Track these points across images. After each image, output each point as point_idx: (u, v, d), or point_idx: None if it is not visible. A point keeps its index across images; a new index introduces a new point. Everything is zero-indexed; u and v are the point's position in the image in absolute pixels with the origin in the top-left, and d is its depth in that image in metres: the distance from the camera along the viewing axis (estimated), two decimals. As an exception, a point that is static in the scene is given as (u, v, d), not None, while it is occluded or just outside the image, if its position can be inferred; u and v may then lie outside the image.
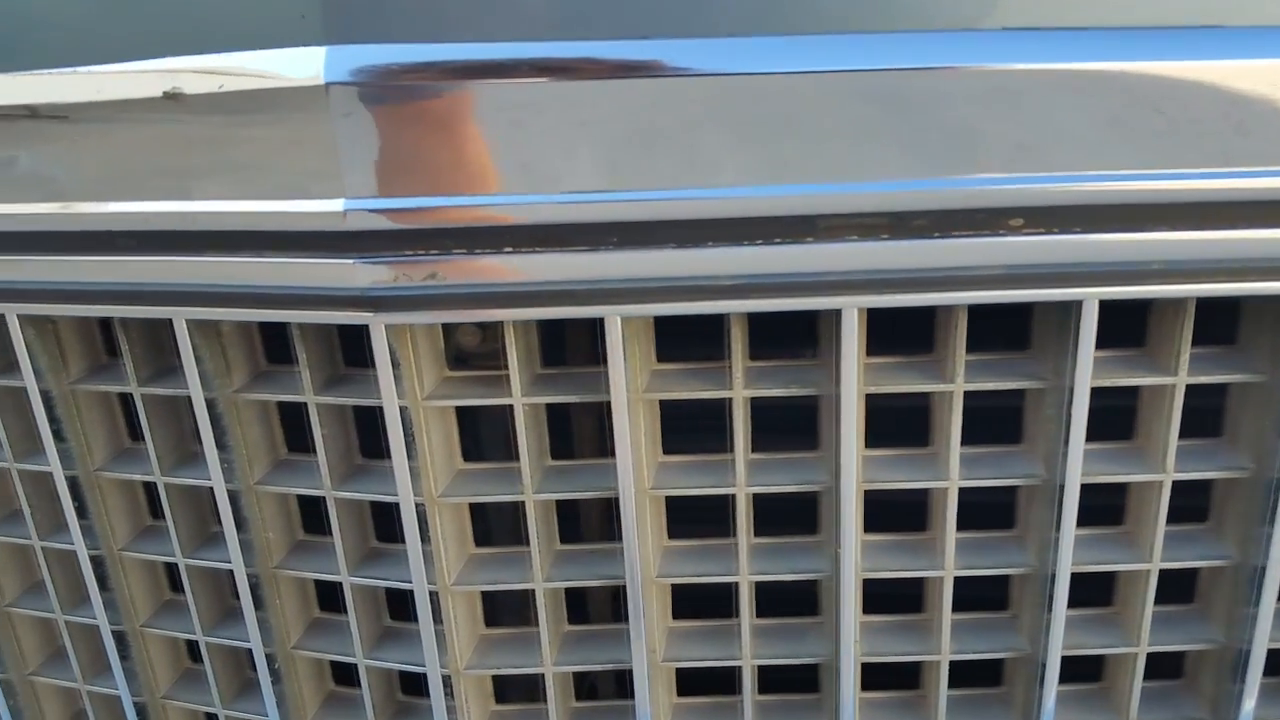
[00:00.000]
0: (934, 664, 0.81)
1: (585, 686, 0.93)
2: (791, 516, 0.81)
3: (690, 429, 0.79)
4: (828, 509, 0.79)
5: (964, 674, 0.83)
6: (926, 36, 0.62)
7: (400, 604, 0.86)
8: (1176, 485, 0.75)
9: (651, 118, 0.62)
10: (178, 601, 0.91)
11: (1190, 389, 0.73)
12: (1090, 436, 0.73)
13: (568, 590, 0.83)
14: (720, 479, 0.76)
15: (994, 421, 0.77)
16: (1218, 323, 0.75)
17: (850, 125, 0.62)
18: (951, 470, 0.74)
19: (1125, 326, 0.74)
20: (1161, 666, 0.84)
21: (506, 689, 0.88)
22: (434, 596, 0.77)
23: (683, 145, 0.62)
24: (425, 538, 0.75)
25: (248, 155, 0.65)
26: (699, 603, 0.85)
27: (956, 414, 0.72)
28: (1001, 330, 0.76)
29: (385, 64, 0.61)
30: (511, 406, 0.73)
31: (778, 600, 0.83)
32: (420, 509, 0.75)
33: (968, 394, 0.73)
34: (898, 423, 0.77)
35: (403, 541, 0.81)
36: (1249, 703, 0.79)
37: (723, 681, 0.87)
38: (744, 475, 0.75)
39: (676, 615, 0.84)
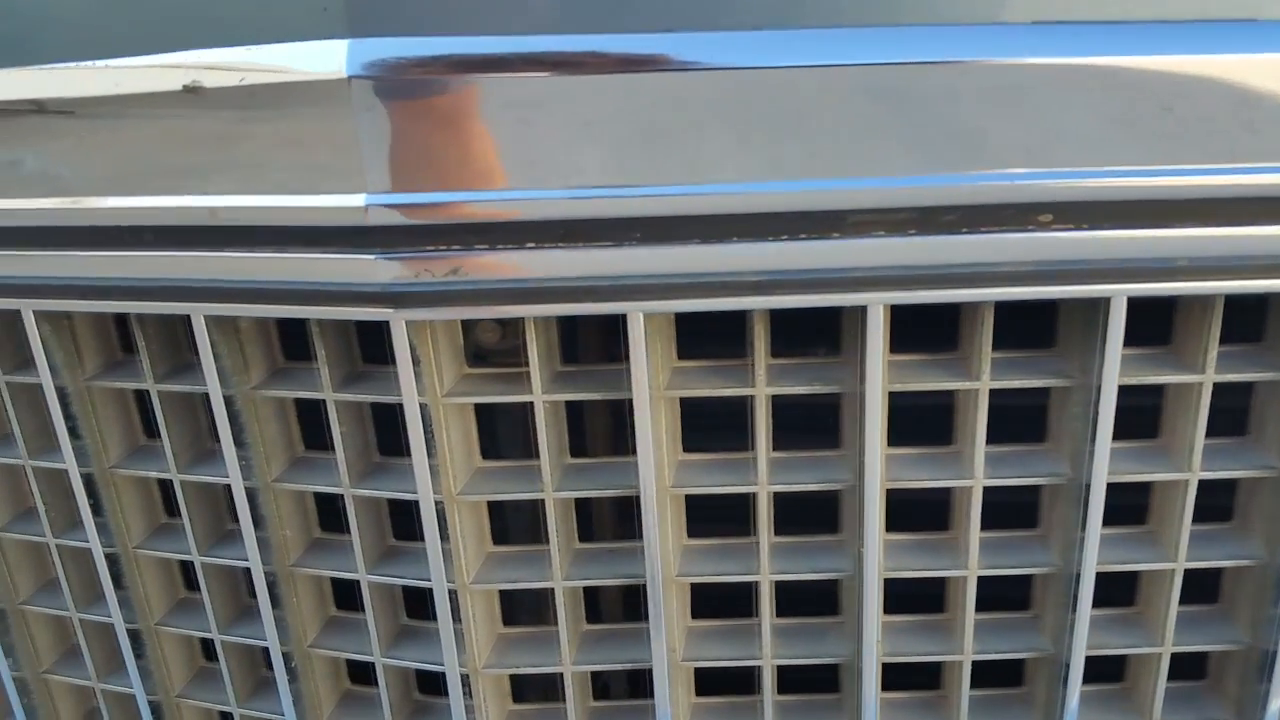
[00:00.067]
0: (955, 664, 0.80)
1: (598, 686, 0.92)
2: (811, 515, 0.81)
3: (708, 427, 0.79)
4: (849, 508, 0.78)
5: (984, 673, 0.83)
6: (955, 30, 0.61)
7: (417, 602, 0.86)
8: (1201, 484, 0.75)
9: (678, 112, 0.61)
10: (192, 600, 0.91)
11: (1215, 387, 0.72)
12: (1115, 435, 0.72)
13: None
14: (741, 477, 0.76)
15: (1017, 420, 0.77)
16: (1242, 320, 0.74)
17: (879, 120, 0.62)
18: (976, 469, 0.73)
19: (1149, 324, 0.74)
20: (1185, 667, 0.83)
21: (523, 688, 0.88)
22: (453, 595, 0.77)
23: (709, 139, 0.62)
24: (444, 536, 0.75)
25: (268, 150, 0.65)
26: (716, 602, 0.84)
27: (982, 412, 0.72)
28: (1025, 327, 0.75)
29: (408, 57, 0.61)
30: (531, 404, 0.73)
31: (797, 599, 0.82)
32: (439, 507, 0.74)
33: (991, 392, 0.72)
34: (919, 421, 0.76)
35: (420, 540, 0.81)
36: (1275, 703, 0.78)
37: (740, 681, 0.86)
38: (766, 474, 0.74)
39: (695, 614, 0.84)
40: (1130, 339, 0.69)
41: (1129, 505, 0.79)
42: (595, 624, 0.84)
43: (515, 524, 0.85)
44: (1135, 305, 0.68)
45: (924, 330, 0.73)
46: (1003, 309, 0.70)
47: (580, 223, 0.64)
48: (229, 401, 0.74)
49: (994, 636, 0.81)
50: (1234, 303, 0.70)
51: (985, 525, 0.76)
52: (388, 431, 0.80)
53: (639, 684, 0.89)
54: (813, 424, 0.78)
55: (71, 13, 0.69)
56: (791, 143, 0.62)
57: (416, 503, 0.76)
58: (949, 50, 0.61)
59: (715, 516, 0.81)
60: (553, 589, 0.78)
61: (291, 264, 0.67)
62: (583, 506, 0.82)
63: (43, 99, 0.68)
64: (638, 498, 0.76)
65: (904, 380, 0.71)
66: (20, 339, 0.81)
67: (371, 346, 0.77)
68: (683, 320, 0.74)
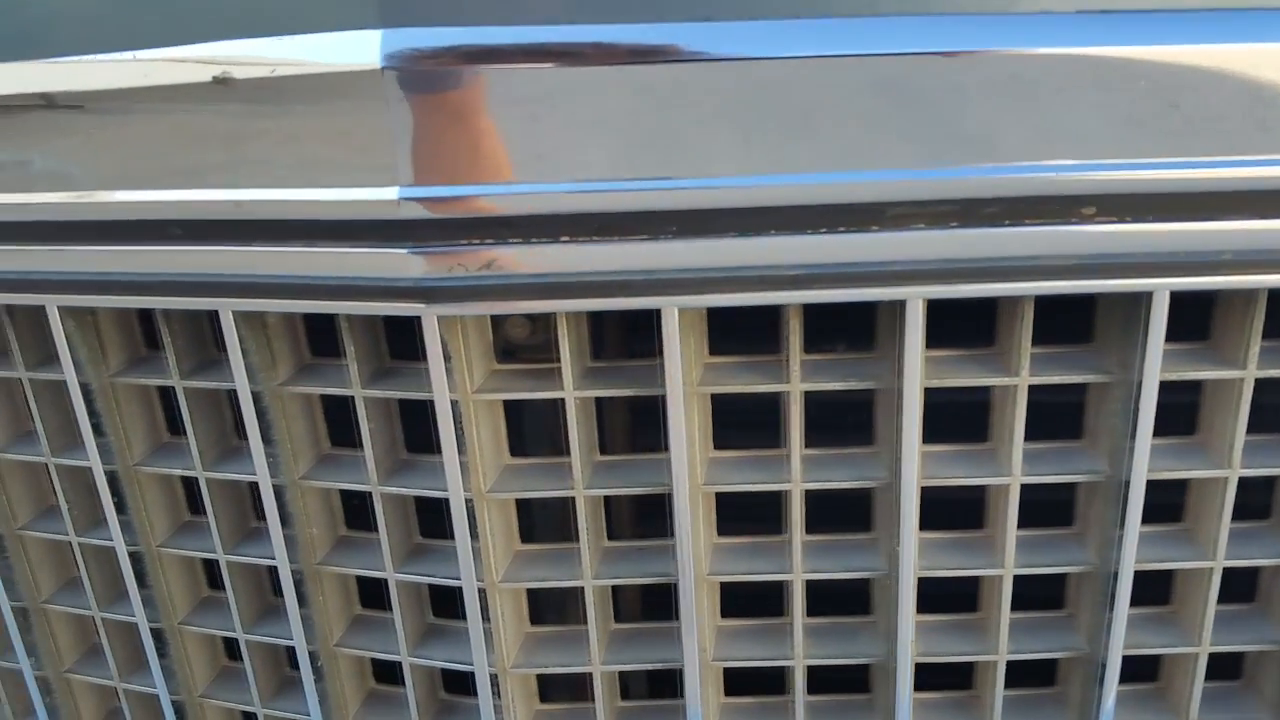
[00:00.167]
0: (988, 664, 0.79)
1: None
2: (840, 513, 0.80)
3: (736, 423, 0.78)
4: (881, 506, 0.77)
5: (1016, 673, 0.82)
6: (1000, 19, 0.60)
7: (442, 601, 0.85)
8: (1239, 481, 0.73)
9: (717, 103, 0.60)
10: (215, 598, 0.90)
11: (1255, 383, 0.71)
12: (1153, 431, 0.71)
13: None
14: (773, 475, 0.75)
15: (1052, 416, 0.76)
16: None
17: (921, 111, 0.60)
18: (1014, 466, 0.72)
19: (1186, 318, 0.72)
20: (1220, 666, 0.82)
21: (548, 687, 0.87)
22: (482, 594, 0.76)
23: (749, 131, 0.61)
24: (474, 534, 0.74)
25: (299, 142, 0.64)
26: (744, 600, 0.83)
27: (1020, 409, 0.71)
28: (1061, 322, 0.74)
29: (443, 47, 0.60)
30: (561, 400, 0.72)
31: (825, 598, 0.81)
32: (469, 505, 0.73)
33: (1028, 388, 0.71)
34: (953, 417, 0.75)
35: (447, 538, 0.80)
36: (1315, 704, 0.77)
37: (769, 681, 0.85)
38: (799, 471, 0.73)
39: (724, 614, 0.83)
40: (1169, 334, 0.68)
41: (1164, 503, 0.78)
42: (622, 623, 0.84)
43: (541, 521, 0.84)
44: (1174, 299, 0.67)
45: (958, 324, 0.72)
46: (1040, 303, 0.69)
47: (616, 216, 0.63)
48: (257, 398, 0.74)
49: (1027, 636, 0.80)
50: (1276, 296, 0.69)
51: (1019, 523, 0.75)
52: (414, 428, 0.79)
53: (658, 684, 0.88)
54: (843, 420, 0.77)
55: (99, 5, 0.68)
56: (832, 134, 0.61)
57: (444, 500, 0.75)
58: (993, 40, 0.60)
59: (744, 515, 0.80)
60: (582, 588, 0.78)
61: (322, 258, 0.66)
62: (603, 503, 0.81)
63: (70, 92, 0.67)
64: (666, 495, 0.75)
65: (941, 376, 0.70)
66: (43, 335, 0.80)
67: (399, 342, 0.76)
68: (714, 315, 0.74)
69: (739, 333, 0.75)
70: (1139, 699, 0.82)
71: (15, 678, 0.98)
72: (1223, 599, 0.77)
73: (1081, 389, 0.76)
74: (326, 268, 0.66)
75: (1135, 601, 0.77)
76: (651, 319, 0.71)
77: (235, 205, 0.64)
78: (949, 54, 0.60)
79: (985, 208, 0.63)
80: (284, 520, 0.78)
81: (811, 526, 0.77)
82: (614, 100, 0.61)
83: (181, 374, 0.77)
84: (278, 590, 0.88)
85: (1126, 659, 0.78)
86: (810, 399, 0.73)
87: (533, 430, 0.82)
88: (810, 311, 0.71)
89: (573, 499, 0.75)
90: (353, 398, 0.74)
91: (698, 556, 0.75)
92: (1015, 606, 0.78)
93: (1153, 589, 0.80)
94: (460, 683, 0.87)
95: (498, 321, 0.74)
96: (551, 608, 0.86)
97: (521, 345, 0.75)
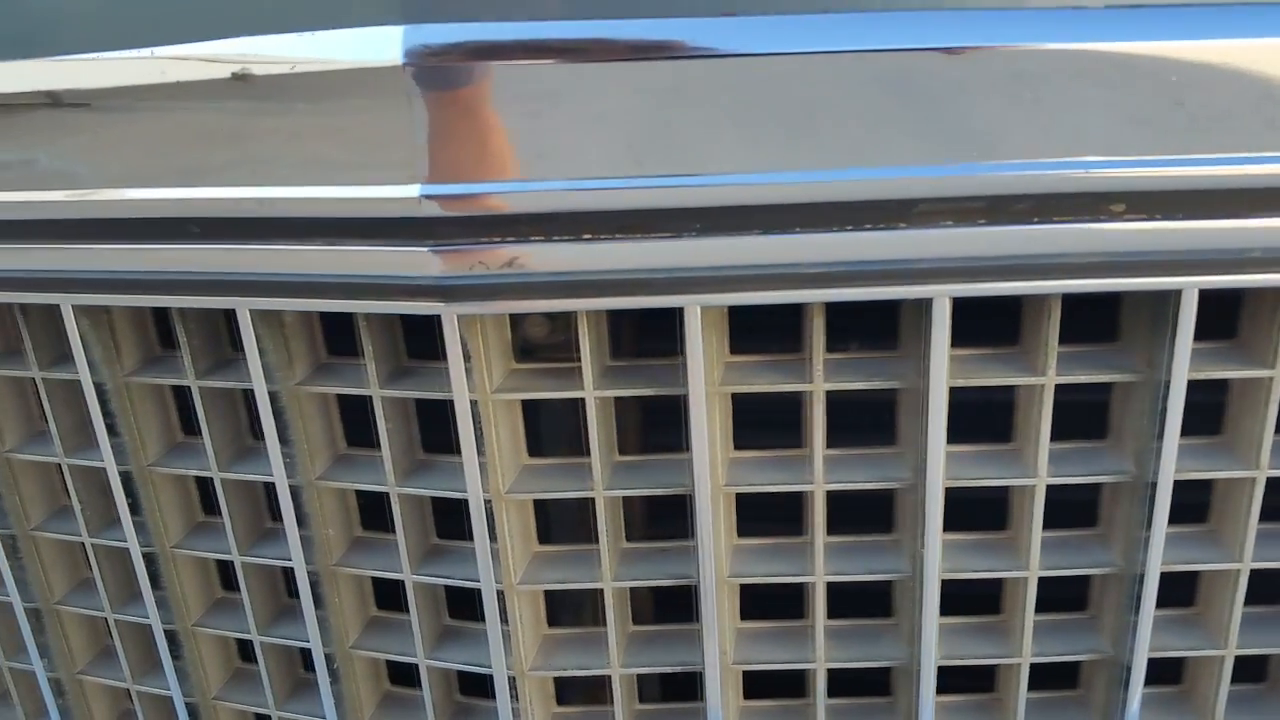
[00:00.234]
0: (1011, 666, 0.79)
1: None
2: (859, 514, 0.79)
3: (755, 423, 0.77)
4: (903, 507, 0.76)
5: (1039, 675, 0.81)
6: (1030, 14, 0.60)
7: (458, 603, 0.84)
8: (1267, 481, 0.73)
9: (742, 99, 0.59)
10: (229, 600, 0.89)
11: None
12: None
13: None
14: (795, 475, 0.74)
15: (1076, 415, 0.75)
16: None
17: (948, 106, 0.60)
18: (1040, 467, 0.71)
19: (1213, 317, 0.72)
20: (1245, 668, 0.81)
21: (565, 689, 0.86)
22: (500, 596, 0.75)
23: (774, 127, 0.60)
24: (492, 535, 0.73)
25: (319, 139, 0.63)
26: (764, 602, 0.82)
27: (1046, 408, 0.70)
28: (1085, 321, 0.73)
29: (465, 43, 0.59)
30: (581, 400, 0.71)
31: (845, 600, 0.80)
32: (487, 506, 0.73)
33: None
34: (975, 417, 0.75)
35: (463, 539, 0.79)
36: (1342, 708, 0.76)
37: (787, 683, 0.84)
38: (821, 472, 0.72)
39: (743, 616, 0.82)
40: (1195, 332, 0.67)
41: (1189, 503, 0.77)
42: (640, 625, 0.83)
43: (557, 522, 0.84)
44: (1200, 297, 0.66)
45: (981, 323, 0.72)
46: (1063, 301, 0.68)
47: (639, 213, 0.62)
48: (274, 398, 0.73)
49: (1051, 638, 0.79)
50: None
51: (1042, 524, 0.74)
52: (430, 428, 0.79)
53: (670, 686, 0.87)
54: (863, 420, 0.76)
55: (116, 2, 0.67)
56: (859, 130, 0.60)
57: (461, 501, 0.74)
58: (1022, 34, 0.59)
59: (761, 514, 0.79)
60: (601, 590, 0.77)
61: (342, 257, 0.65)
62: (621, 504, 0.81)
63: (85, 89, 0.66)
64: (686, 496, 0.74)
65: (966, 375, 0.69)
66: (57, 334, 0.80)
67: (416, 341, 0.76)
68: (734, 313, 0.73)
69: (759, 331, 0.74)
70: (1163, 701, 0.81)
71: (28, 679, 0.97)
72: (1249, 601, 0.77)
73: (1105, 388, 0.75)
74: (346, 266, 0.65)
75: (1160, 603, 0.76)
76: (670, 317, 0.70)
77: (257, 203, 0.64)
78: (978, 49, 0.59)
79: (1014, 204, 0.62)
80: (300, 521, 0.77)
81: (831, 527, 0.76)
82: (637, 97, 0.60)
83: (197, 374, 0.76)
84: (292, 592, 0.87)
85: (1151, 661, 0.77)
86: (829, 398, 0.72)
87: (549, 430, 0.81)
88: (832, 310, 0.71)
89: (591, 500, 0.75)
90: (370, 398, 0.73)
91: (719, 558, 0.74)
92: (1037, 608, 0.77)
93: (1177, 590, 0.79)
94: (476, 685, 0.86)
95: (516, 320, 0.73)
96: (567, 609, 0.85)
97: (540, 344, 0.74)
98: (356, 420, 0.79)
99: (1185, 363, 0.67)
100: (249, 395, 0.79)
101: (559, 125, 0.60)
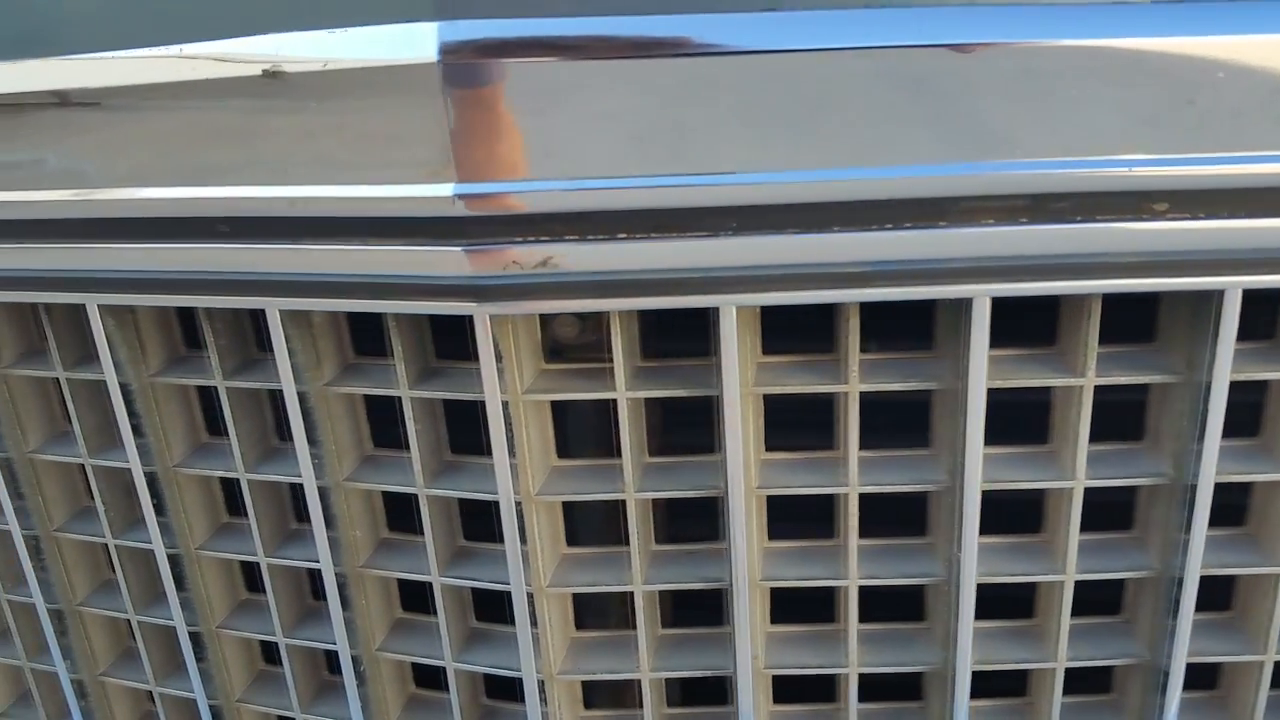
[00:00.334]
0: (1046, 671, 0.78)
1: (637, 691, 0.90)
2: (891, 515, 0.78)
3: (784, 423, 0.76)
4: (937, 509, 0.76)
5: (1071, 678, 0.80)
6: (1073, 10, 0.59)
7: (484, 605, 0.83)
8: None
9: (781, 96, 0.59)
10: (253, 601, 0.89)
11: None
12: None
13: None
14: (827, 477, 0.73)
15: (1111, 416, 0.74)
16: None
17: (990, 102, 0.59)
18: (1078, 469, 0.70)
19: (1250, 316, 0.70)
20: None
21: (591, 693, 0.85)
22: (529, 598, 0.74)
23: (814, 123, 0.59)
24: (523, 537, 0.72)
25: (350, 138, 0.62)
26: (793, 605, 0.81)
27: (1086, 410, 0.69)
28: (1121, 321, 0.72)
29: (501, 39, 0.58)
30: (612, 401, 0.70)
31: (876, 603, 0.79)
32: (517, 507, 0.72)
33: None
34: (1011, 418, 0.74)
35: (490, 541, 0.79)
36: (1382, 713, 0.75)
37: (815, 687, 0.83)
38: (855, 474, 0.71)
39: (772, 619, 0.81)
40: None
41: (1225, 504, 0.76)
42: (669, 628, 0.82)
43: (584, 524, 0.83)
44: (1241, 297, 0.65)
45: (1017, 323, 0.71)
46: (1104, 301, 0.67)
47: (675, 212, 0.62)
48: (302, 398, 0.72)
49: (1085, 642, 0.78)
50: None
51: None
52: (457, 429, 0.78)
53: (692, 689, 0.86)
54: (895, 421, 0.75)
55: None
56: (898, 126, 0.59)
57: (487, 503, 0.74)
58: (1064, 30, 0.58)
59: (789, 515, 0.78)
60: (629, 593, 0.76)
61: (373, 256, 0.64)
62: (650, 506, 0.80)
63: (114, 87, 0.65)
64: (718, 498, 0.73)
65: (1003, 376, 0.68)
66: (81, 334, 0.79)
67: (444, 341, 0.75)
68: (766, 312, 0.72)
69: (790, 331, 0.73)
70: (1199, 706, 0.80)
71: (50, 680, 0.97)
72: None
73: (1141, 388, 0.74)
74: (378, 266, 0.65)
75: (1196, 607, 0.75)
76: (700, 317, 0.70)
77: (288, 203, 0.63)
78: (1022, 44, 0.58)
79: (1055, 203, 0.61)
80: (328, 523, 0.76)
81: (862, 529, 0.75)
82: (675, 94, 0.59)
83: (224, 374, 0.75)
84: (316, 593, 0.87)
85: (1187, 665, 0.76)
86: (861, 398, 0.71)
87: (576, 431, 0.80)
88: (865, 310, 0.70)
89: (618, 502, 0.74)
90: (398, 399, 0.73)
91: (751, 561, 0.73)
92: (1071, 611, 0.76)
93: (1213, 594, 0.78)
94: (502, 688, 0.85)
95: (546, 320, 0.72)
96: (593, 612, 0.85)
97: (570, 345, 0.73)
98: (383, 421, 0.79)
99: (1228, 364, 0.66)
100: (274, 395, 0.79)
101: (595, 123, 0.59)
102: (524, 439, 0.71)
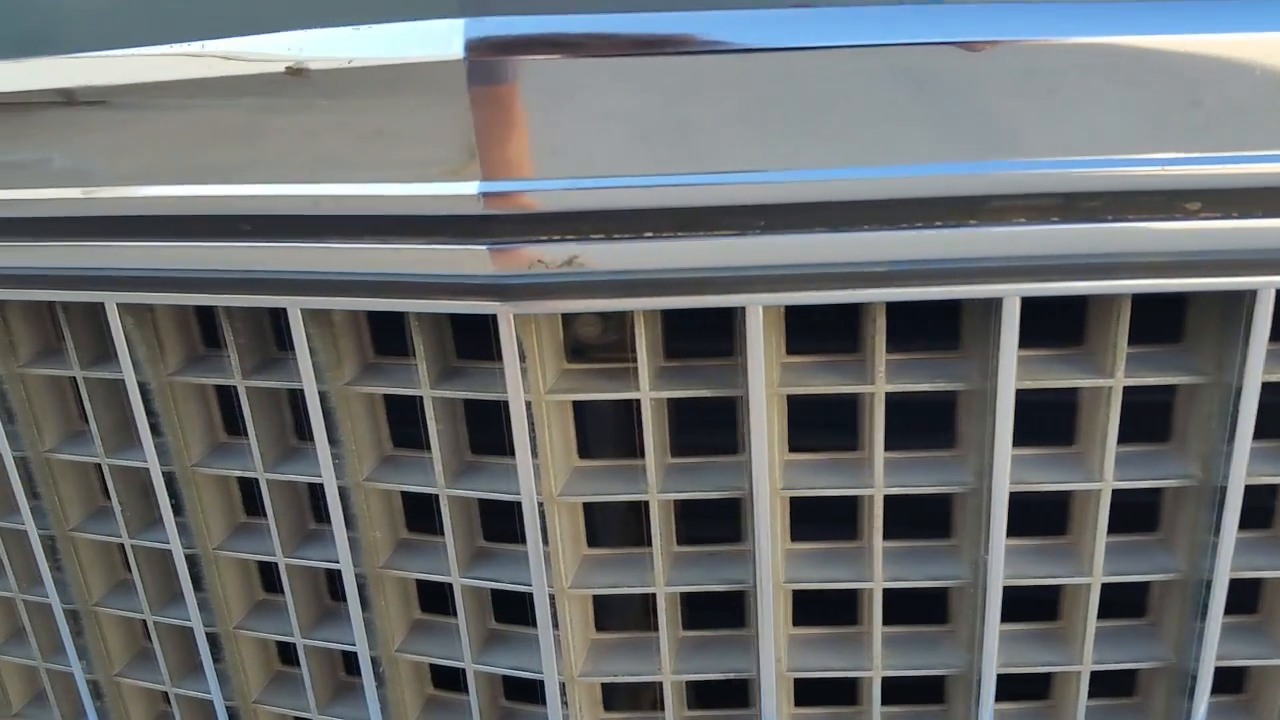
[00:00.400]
0: (1071, 674, 0.77)
1: (654, 693, 0.89)
2: (914, 517, 0.77)
3: (806, 423, 0.76)
4: (962, 511, 0.75)
5: (1094, 681, 0.79)
6: (1104, 7, 0.58)
7: (503, 606, 0.83)
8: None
9: (811, 93, 0.58)
10: (271, 602, 0.88)
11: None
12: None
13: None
14: (852, 478, 0.72)
15: (1137, 417, 0.73)
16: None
17: (1023, 100, 0.58)
18: (1106, 471, 0.69)
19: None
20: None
21: (610, 695, 0.85)
22: (551, 600, 0.74)
23: (843, 121, 0.58)
24: (545, 538, 0.72)
25: (374, 135, 0.62)
26: (810, 607, 0.81)
27: (1114, 411, 0.68)
28: (1149, 321, 0.71)
29: (527, 36, 0.58)
30: (635, 401, 0.70)
31: (899, 605, 0.79)
32: (539, 508, 0.71)
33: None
34: (1036, 419, 0.73)
35: (510, 541, 0.78)
36: None
37: (835, 690, 0.83)
38: (881, 475, 0.70)
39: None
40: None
41: (1250, 507, 0.76)
42: (690, 630, 0.81)
43: (603, 525, 0.82)
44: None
45: (1043, 323, 0.70)
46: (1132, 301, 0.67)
47: (703, 210, 0.61)
48: (323, 398, 0.72)
49: (1110, 645, 0.77)
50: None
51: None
52: (477, 428, 0.77)
53: (707, 691, 0.85)
54: (919, 422, 0.74)
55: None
56: (929, 124, 0.58)
57: (506, 503, 0.73)
58: (1099, 27, 0.57)
59: (810, 516, 0.78)
60: (649, 594, 0.76)
61: (397, 255, 0.64)
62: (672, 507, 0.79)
63: (136, 83, 0.65)
64: (733, 499, 0.73)
65: (1031, 377, 0.68)
66: (98, 332, 0.79)
67: (465, 341, 0.74)
68: (789, 312, 0.71)
69: (812, 330, 0.72)
70: (1225, 710, 0.79)
71: (65, 680, 0.96)
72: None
73: (1167, 389, 0.73)
74: (401, 265, 0.64)
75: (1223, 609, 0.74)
76: (722, 316, 0.69)
77: (313, 201, 0.62)
78: (1053, 42, 0.57)
79: (1087, 201, 0.60)
80: (348, 523, 0.76)
81: (885, 531, 0.74)
82: (703, 91, 0.58)
83: (244, 373, 0.75)
84: (334, 594, 0.86)
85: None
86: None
87: (596, 431, 0.80)
88: (890, 309, 0.69)
89: (639, 503, 0.73)
90: (418, 398, 0.72)
91: (776, 563, 0.72)
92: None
93: (1239, 596, 0.77)
94: (520, 689, 0.85)
95: (568, 320, 0.72)
96: (612, 613, 0.84)
97: (592, 344, 0.73)
98: (402, 421, 0.78)
99: (1259, 365, 0.65)
100: (293, 395, 0.78)
101: (622, 120, 0.59)
102: (546, 439, 0.70)
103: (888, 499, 0.72)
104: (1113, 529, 0.75)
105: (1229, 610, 0.76)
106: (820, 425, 0.75)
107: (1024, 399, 0.70)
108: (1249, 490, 0.71)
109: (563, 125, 0.59)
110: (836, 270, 0.63)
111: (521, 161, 0.60)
